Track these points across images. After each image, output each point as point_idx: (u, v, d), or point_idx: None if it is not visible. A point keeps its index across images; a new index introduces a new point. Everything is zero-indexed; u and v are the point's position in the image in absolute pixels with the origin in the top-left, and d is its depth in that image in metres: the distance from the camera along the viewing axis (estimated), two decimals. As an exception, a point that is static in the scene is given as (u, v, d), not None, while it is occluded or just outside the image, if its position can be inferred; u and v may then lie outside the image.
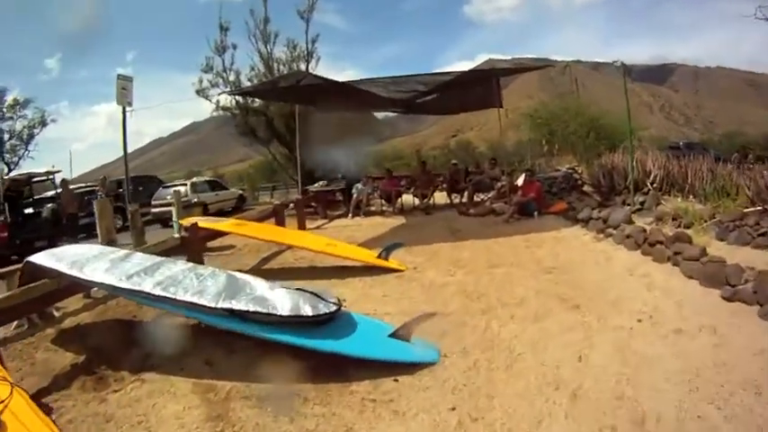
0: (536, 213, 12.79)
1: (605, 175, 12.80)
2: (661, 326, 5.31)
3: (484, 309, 6.28)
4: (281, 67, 21.43)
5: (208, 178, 26.30)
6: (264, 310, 4.73)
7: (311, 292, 5.16)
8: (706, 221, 8.40)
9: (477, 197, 16.51)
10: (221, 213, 21.24)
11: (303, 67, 21.67)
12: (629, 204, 10.78)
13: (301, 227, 13.77)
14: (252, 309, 4.73)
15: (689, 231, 8.00)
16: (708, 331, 5.02)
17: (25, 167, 32.95)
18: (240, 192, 27.00)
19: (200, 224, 9.26)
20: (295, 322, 4.75)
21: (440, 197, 17.14)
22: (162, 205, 19.52)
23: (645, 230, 8.59)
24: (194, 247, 8.65)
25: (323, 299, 5.07)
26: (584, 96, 27.53)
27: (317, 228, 14.30)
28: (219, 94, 12.20)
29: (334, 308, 5.01)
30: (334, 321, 4.99)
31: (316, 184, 18.08)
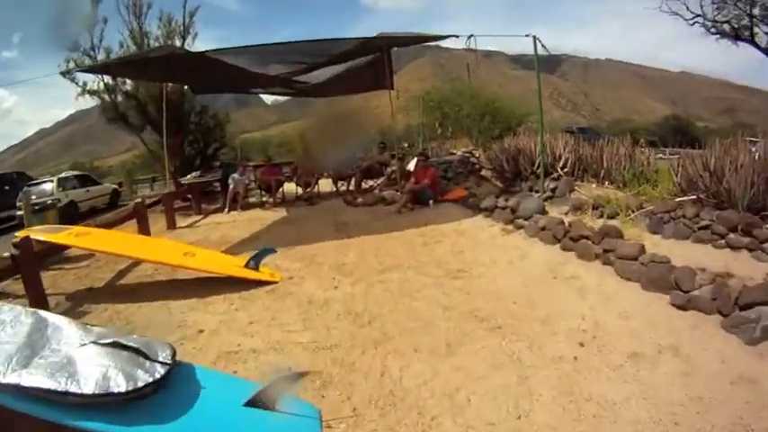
0: (431, 202, 11.52)
1: (509, 160, 11.57)
2: (610, 350, 4.28)
3: (377, 338, 4.86)
4: (154, 44, 18.69)
5: (77, 173, 23.31)
6: (61, 388, 2.97)
7: (135, 348, 3.36)
8: (633, 211, 7.44)
9: (366, 184, 15.15)
10: (94, 212, 19.67)
11: (179, 44, 18.99)
12: (537, 191, 9.66)
13: (170, 226, 12.31)
14: (45, 386, 2.96)
15: (614, 222, 7.21)
16: (669, 353, 4.14)
17: None
18: (114, 186, 24.85)
19: (34, 237, 7.39)
20: (103, 402, 3.01)
21: (325, 185, 15.81)
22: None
23: (563, 222, 7.48)
24: (28, 268, 6.73)
25: (149, 357, 3.29)
26: (475, 82, 26.60)
27: (189, 226, 12.70)
28: (71, 71, 10.20)
29: (162, 371, 3.20)
30: (165, 389, 3.24)
31: (189, 175, 16.30)
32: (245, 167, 15.39)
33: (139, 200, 11.17)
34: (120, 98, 18.81)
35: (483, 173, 14.42)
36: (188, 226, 12.59)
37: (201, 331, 5.33)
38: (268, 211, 13.75)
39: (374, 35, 10.45)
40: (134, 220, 10.94)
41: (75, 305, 6.73)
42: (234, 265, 7.24)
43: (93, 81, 18.38)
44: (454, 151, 17.24)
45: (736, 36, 29.05)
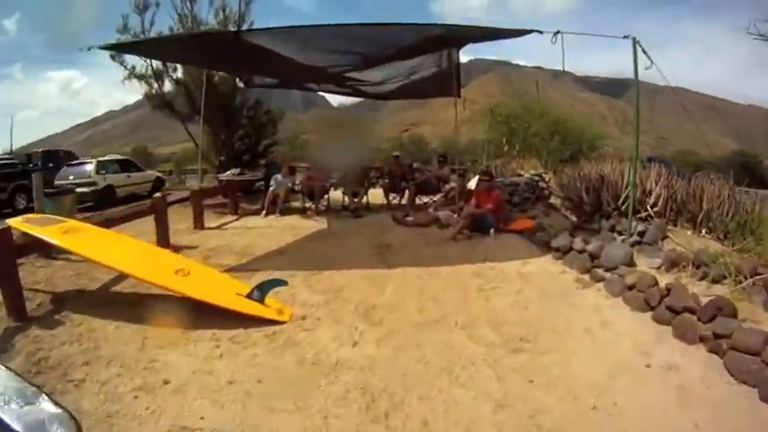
0: (492, 231, 9.87)
1: (590, 190, 9.75)
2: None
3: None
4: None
5: (120, 157, 22.88)
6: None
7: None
8: (746, 277, 5.65)
9: (420, 200, 13.63)
10: (134, 198, 19.04)
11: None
12: (622, 234, 8.01)
13: (197, 226, 11.24)
14: None
15: (721, 290, 5.63)
16: None
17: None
18: (158, 174, 24.27)
19: (18, 227, 6.44)
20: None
21: (377, 196, 14.39)
22: (66, 186, 16.33)
23: (657, 282, 5.87)
24: (4, 263, 5.68)
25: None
26: (543, 101, 25.17)
27: (218, 227, 11.61)
28: (89, 49, 9.20)
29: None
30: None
31: (228, 172, 15.01)
32: (290, 169, 14.06)
33: (159, 194, 9.97)
34: (169, 85, 17.73)
35: (552, 200, 12.79)
36: (217, 227, 11.58)
37: (167, 383, 4.26)
38: (308, 219, 12.47)
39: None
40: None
41: (55, 311, 5.96)
42: (233, 293, 5.83)
43: (142, 65, 17.26)
44: (521, 172, 15.56)
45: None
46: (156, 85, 17.51)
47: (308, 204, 13.54)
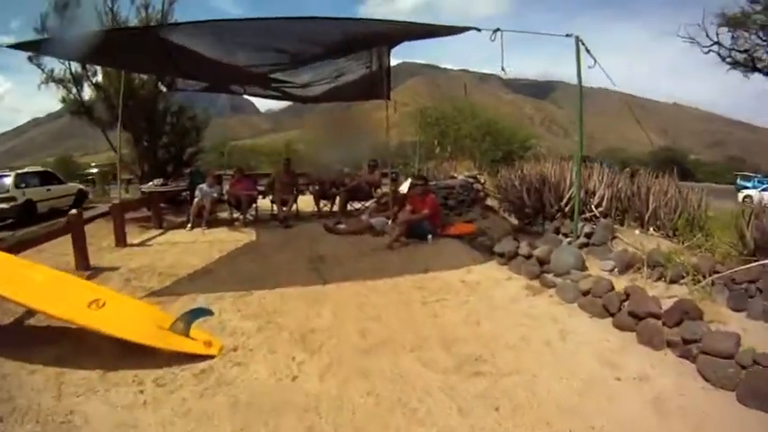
0: (430, 237, 9.49)
1: (530, 191, 9.37)
2: None
3: None
4: (127, 31, 16.56)
5: (40, 169, 21.80)
6: None
7: None
8: (704, 276, 5.53)
9: (352, 206, 13.25)
10: (55, 213, 17.71)
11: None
12: (567, 235, 7.78)
13: (119, 243, 10.39)
14: None
15: (681, 290, 5.54)
16: None
17: None
18: (80, 187, 22.85)
19: None
20: None
21: (307, 203, 13.82)
22: None
23: (613, 287, 5.60)
24: None
25: None
26: (472, 103, 25.20)
27: (141, 243, 10.78)
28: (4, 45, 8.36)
29: None
30: None
31: (150, 183, 14.17)
32: (215, 177, 13.29)
33: (74, 212, 8.98)
34: (88, 90, 16.52)
35: (489, 202, 12.63)
36: (140, 244, 10.71)
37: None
38: (236, 231, 11.81)
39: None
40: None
41: None
42: (155, 326, 5.12)
43: (60, 68, 16.13)
44: (455, 174, 15.17)
45: (753, 67, 28.34)
46: (74, 90, 16.29)
47: (235, 215, 12.93)
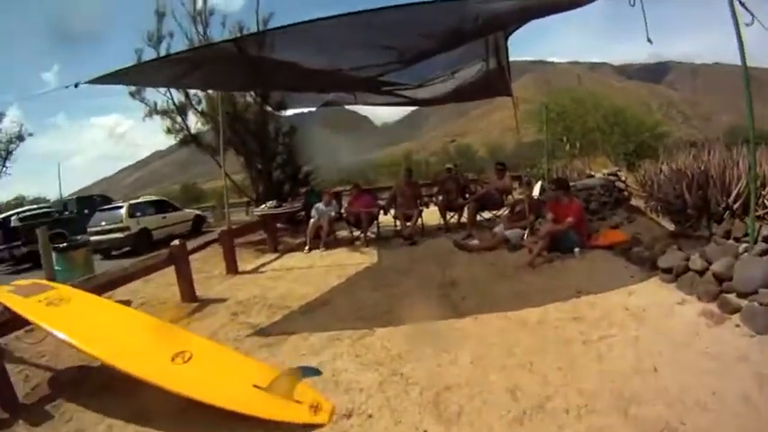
0: (577, 250, 8.24)
1: (691, 188, 7.80)
2: None
3: None
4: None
5: (154, 198, 22.45)
6: None
7: None
8: None
9: (481, 217, 12.10)
10: (173, 239, 17.28)
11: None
12: (737, 239, 6.30)
13: (231, 270, 10.03)
14: None
15: None
16: None
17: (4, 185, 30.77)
18: (197, 212, 23.33)
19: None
20: None
21: (432, 215, 12.63)
22: (98, 233, 17.09)
23: None
24: None
25: None
26: (583, 94, 23.69)
27: (254, 270, 10.23)
28: (76, 85, 7.77)
29: None
30: None
31: (263, 205, 13.51)
32: (332, 195, 12.55)
33: (176, 243, 8.44)
34: (194, 118, 16.27)
35: (633, 202, 11.22)
36: (253, 270, 10.30)
37: None
38: (355, 252, 10.98)
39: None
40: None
41: (50, 397, 4.87)
42: (250, 385, 4.20)
43: (164, 100, 15.95)
44: (590, 172, 13.77)
45: None
46: (179, 120, 16.09)
47: (355, 233, 12.08)
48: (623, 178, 12.43)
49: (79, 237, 13.28)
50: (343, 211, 12.45)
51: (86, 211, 20.62)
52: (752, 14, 5.89)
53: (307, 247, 11.54)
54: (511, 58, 9.77)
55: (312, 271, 9.54)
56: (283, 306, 7.25)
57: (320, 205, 11.85)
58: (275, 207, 12.97)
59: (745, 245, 5.93)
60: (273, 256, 11.64)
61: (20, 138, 36.19)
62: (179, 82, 10.84)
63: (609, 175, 12.61)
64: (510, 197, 12.14)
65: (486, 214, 12.16)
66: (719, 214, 7.29)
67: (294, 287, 8.36)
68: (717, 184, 7.49)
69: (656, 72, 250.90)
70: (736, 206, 6.96)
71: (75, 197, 25.91)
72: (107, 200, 24.40)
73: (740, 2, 5.78)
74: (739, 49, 5.87)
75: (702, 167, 8.01)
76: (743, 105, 5.96)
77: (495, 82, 10.42)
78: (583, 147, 18.49)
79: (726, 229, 6.72)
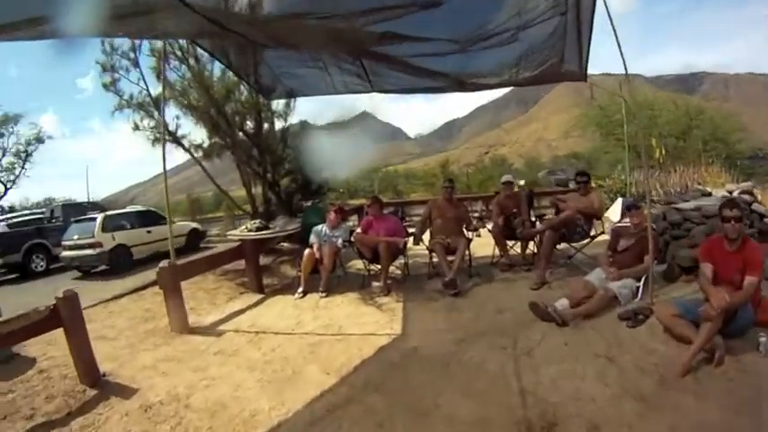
0: (765, 339, 4.45)
1: None
2: None
3: None
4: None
5: (140, 208, 19.11)
6: None
7: None
8: None
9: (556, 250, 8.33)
10: (161, 257, 14.32)
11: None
12: None
13: (176, 327, 6.70)
14: None
15: None
16: None
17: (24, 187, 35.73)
18: (194, 226, 19.61)
19: None
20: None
21: (482, 245, 8.96)
22: (71, 247, 14.96)
23: None
24: None
25: None
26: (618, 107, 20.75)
27: (211, 327, 6.91)
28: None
29: None
30: None
31: (242, 227, 9.56)
32: (339, 214, 8.70)
33: (63, 295, 5.13)
34: (178, 111, 12.41)
35: None
36: (211, 326, 6.95)
37: None
38: (369, 304, 7.31)
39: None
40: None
41: None
42: None
43: (140, 91, 12.42)
44: (707, 189, 9.63)
45: None
46: (156, 115, 12.23)
47: (370, 268, 8.42)
48: (758, 197, 8.43)
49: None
50: (351, 237, 8.64)
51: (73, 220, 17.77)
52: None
53: (300, 290, 8.04)
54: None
55: (291, 344, 5.93)
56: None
57: (322, 227, 8.43)
58: (259, 229, 9.01)
59: None
60: (255, 298, 8.25)
61: (39, 140, 36.20)
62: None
63: (743, 193, 8.51)
64: (601, 224, 8.44)
65: (563, 246, 8.45)
66: None
67: (243, 388, 4.92)
68: None
69: (688, 83, 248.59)
70: None
71: (61, 203, 23.07)
72: (97, 207, 21.29)
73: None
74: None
75: None
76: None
77: (571, 55, 7.09)
78: (673, 156, 14.77)
79: None
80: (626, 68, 5.88)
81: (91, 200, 27.08)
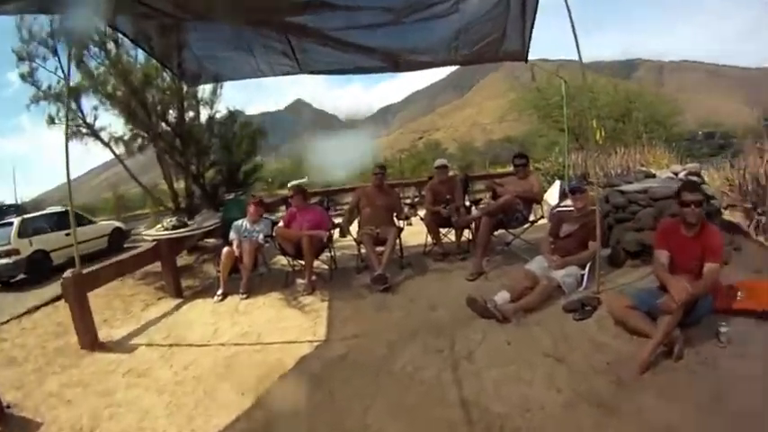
0: (724, 328, 4.15)
1: None
2: None
3: None
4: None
5: (58, 209, 17.29)
6: None
7: None
8: None
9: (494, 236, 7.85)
10: (84, 260, 13.50)
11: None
12: None
13: (86, 342, 5.95)
14: None
15: None
16: None
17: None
18: (117, 225, 18.41)
19: None
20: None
21: (414, 233, 8.46)
22: None
23: None
24: None
25: None
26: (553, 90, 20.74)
27: (124, 340, 6.22)
28: None
29: None
30: None
31: (158, 225, 8.66)
32: (259, 207, 8.04)
33: None
34: (97, 103, 11.33)
35: (728, 216, 7.33)
36: (123, 339, 6.24)
37: None
38: (292, 306, 6.71)
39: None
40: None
41: None
42: None
43: (59, 81, 11.25)
44: (652, 170, 9.29)
45: None
46: (73, 106, 11.10)
47: (295, 264, 7.82)
48: (706, 180, 8.07)
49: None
50: (272, 232, 7.94)
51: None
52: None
53: (219, 292, 7.33)
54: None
55: (206, 358, 5.32)
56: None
57: (243, 222, 7.78)
58: (176, 227, 8.23)
59: None
60: (173, 303, 7.52)
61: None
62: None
63: (689, 174, 8.12)
64: (540, 208, 8.12)
65: (499, 232, 7.97)
66: None
67: (151, 416, 4.30)
68: None
69: (624, 69, 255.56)
70: None
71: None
72: (18, 210, 20.36)
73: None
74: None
75: None
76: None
77: (513, 33, 6.90)
78: (608, 138, 14.70)
79: None
80: (577, 43, 5.50)
81: (17, 202, 25.84)
